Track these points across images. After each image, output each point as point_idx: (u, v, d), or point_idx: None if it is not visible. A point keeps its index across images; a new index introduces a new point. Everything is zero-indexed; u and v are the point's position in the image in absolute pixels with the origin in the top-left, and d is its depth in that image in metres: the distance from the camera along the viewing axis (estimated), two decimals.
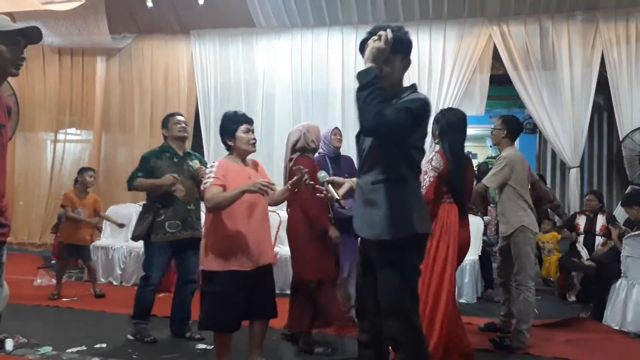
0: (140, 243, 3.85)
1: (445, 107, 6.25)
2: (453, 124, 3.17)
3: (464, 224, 3.21)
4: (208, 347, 3.55)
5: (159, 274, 3.72)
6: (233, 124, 2.95)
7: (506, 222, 3.75)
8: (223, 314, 2.78)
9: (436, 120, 3.28)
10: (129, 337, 3.71)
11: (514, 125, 3.88)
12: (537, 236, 3.88)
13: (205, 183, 2.79)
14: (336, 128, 4.11)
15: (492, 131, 4.00)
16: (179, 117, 3.85)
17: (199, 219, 3.76)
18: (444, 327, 3.01)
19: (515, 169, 3.71)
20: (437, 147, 3.24)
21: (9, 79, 2.13)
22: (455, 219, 3.10)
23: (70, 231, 5.06)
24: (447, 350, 3.05)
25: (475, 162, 9.35)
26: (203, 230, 2.97)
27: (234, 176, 2.83)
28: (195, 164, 3.79)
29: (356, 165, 2.44)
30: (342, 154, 4.13)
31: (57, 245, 6.77)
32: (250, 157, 3.05)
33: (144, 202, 3.87)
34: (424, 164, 3.07)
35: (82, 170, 5.27)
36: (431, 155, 3.12)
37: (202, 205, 3.08)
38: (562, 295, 5.43)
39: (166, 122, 3.85)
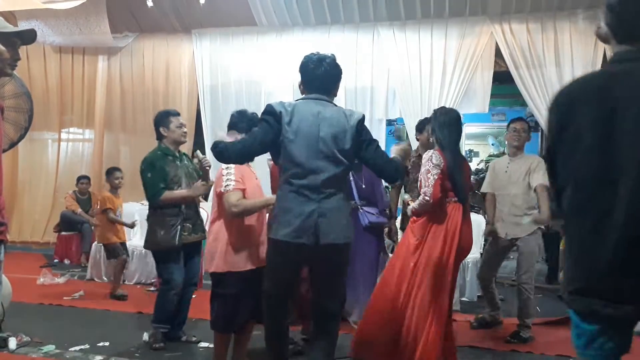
0: (140, 242, 3.81)
1: (448, 105, 6.28)
2: (447, 123, 3.15)
3: (467, 223, 3.19)
4: (210, 346, 3.56)
5: (181, 277, 3.55)
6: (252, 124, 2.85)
7: (519, 223, 3.76)
8: (237, 315, 2.82)
9: (429, 120, 3.32)
10: (145, 339, 3.63)
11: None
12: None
13: (227, 187, 2.75)
14: None
15: (520, 133, 3.98)
16: (181, 120, 3.70)
17: (202, 220, 3.79)
18: (443, 329, 3.00)
19: None
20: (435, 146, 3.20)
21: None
22: (460, 220, 3.06)
23: (111, 231, 5.11)
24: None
25: (477, 160, 9.36)
26: (209, 232, 2.97)
27: (248, 178, 2.85)
28: (199, 155, 3.65)
29: None
30: None
31: (60, 245, 6.83)
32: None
33: (157, 208, 3.56)
34: (425, 163, 3.05)
35: (109, 172, 5.32)
36: (429, 153, 3.08)
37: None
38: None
39: (166, 121, 3.60)
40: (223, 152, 2.40)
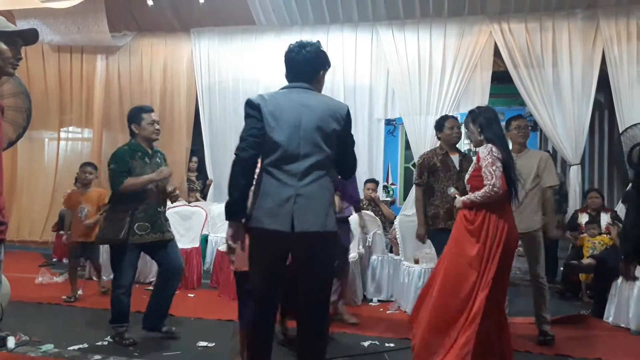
0: None
1: (447, 105, 6.31)
2: (493, 119, 3.19)
3: (512, 218, 3.13)
4: (209, 345, 3.56)
5: (132, 275, 3.59)
6: None
7: (530, 217, 3.75)
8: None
9: (473, 119, 3.26)
10: (107, 339, 3.64)
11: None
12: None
13: None
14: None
15: (524, 130, 4.00)
16: (154, 117, 3.62)
17: (167, 220, 3.68)
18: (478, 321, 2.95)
19: None
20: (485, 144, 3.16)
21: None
22: (509, 216, 3.07)
23: (78, 229, 4.91)
24: None
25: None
26: None
27: None
28: (163, 165, 3.64)
29: None
30: None
31: (58, 244, 6.81)
32: None
33: (112, 204, 3.59)
34: (486, 157, 3.03)
35: (81, 166, 5.23)
36: (488, 148, 3.06)
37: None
38: (567, 292, 5.37)
39: (138, 118, 3.56)
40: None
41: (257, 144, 2.26)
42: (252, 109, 2.30)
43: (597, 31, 6.04)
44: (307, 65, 2.41)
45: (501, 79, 6.63)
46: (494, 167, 2.99)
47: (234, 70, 7.10)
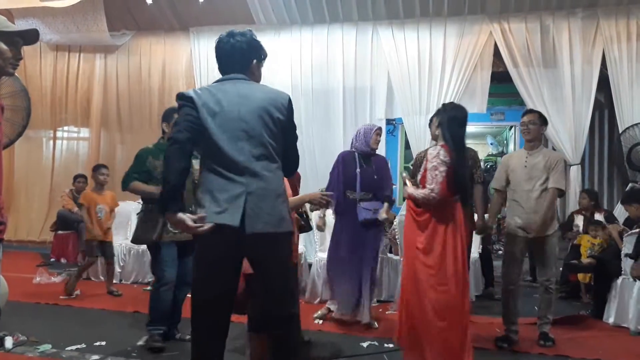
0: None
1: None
2: (454, 117, 3.12)
3: (465, 220, 3.17)
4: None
5: (173, 272, 3.48)
6: None
7: (544, 221, 3.60)
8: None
9: (437, 113, 3.25)
10: (140, 343, 3.53)
11: (546, 121, 3.84)
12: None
13: None
14: (379, 128, 4.13)
15: (528, 126, 3.74)
16: None
17: None
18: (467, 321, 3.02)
19: None
20: (439, 141, 3.15)
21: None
22: (461, 216, 3.05)
23: (96, 228, 5.03)
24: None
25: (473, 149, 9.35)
26: None
27: None
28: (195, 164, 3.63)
29: None
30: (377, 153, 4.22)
31: (57, 244, 6.79)
32: None
33: (145, 204, 3.59)
34: (432, 159, 3.00)
35: (95, 168, 5.28)
36: (437, 150, 3.03)
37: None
38: (573, 294, 5.36)
39: (170, 117, 3.53)
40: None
41: (192, 128, 2.06)
42: (186, 100, 2.11)
43: (597, 31, 6.03)
44: (237, 55, 2.21)
45: (501, 78, 6.62)
46: (436, 172, 2.97)
47: None
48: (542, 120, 3.76)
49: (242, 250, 2.08)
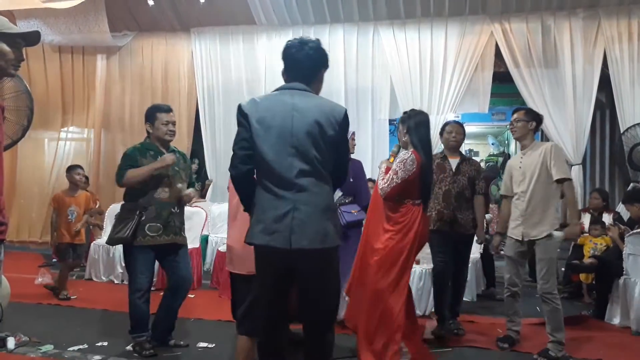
0: None
1: (448, 104, 6.31)
2: (422, 122, 3.22)
3: (425, 222, 3.21)
4: (209, 346, 3.55)
5: (147, 278, 3.35)
6: None
7: (536, 223, 3.46)
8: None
9: (402, 121, 3.31)
10: (128, 348, 3.49)
11: (539, 118, 3.70)
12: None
13: None
14: (353, 133, 4.07)
15: (513, 124, 3.66)
16: (169, 117, 3.44)
17: (182, 223, 3.50)
18: (401, 325, 3.06)
19: None
20: (409, 147, 3.21)
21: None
22: (420, 221, 3.11)
23: (67, 231, 4.98)
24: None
25: (476, 160, 9.34)
26: (229, 228, 2.85)
27: None
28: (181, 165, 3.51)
29: None
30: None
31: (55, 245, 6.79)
32: None
33: (123, 203, 3.44)
34: (398, 163, 3.09)
35: (69, 169, 5.19)
36: (406, 155, 3.10)
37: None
38: (576, 295, 5.34)
39: (152, 117, 3.43)
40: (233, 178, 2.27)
41: (248, 157, 2.16)
42: (242, 117, 2.17)
43: (599, 31, 6.03)
44: (309, 64, 2.23)
45: (502, 78, 6.62)
46: (394, 176, 3.08)
47: (234, 70, 7.09)
48: (531, 116, 3.63)
49: (291, 262, 2.17)
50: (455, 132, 4.07)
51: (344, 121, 2.21)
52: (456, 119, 8.88)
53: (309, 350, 2.32)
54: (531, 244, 3.52)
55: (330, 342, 2.32)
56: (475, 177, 3.98)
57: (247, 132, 2.16)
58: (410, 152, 3.13)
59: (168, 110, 3.49)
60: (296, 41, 2.26)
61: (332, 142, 2.17)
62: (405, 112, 3.37)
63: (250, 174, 2.20)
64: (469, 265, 5.07)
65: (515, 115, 3.69)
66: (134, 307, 3.35)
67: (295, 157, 2.12)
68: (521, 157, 3.68)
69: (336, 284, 2.33)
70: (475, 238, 4.08)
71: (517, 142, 3.80)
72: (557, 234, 3.41)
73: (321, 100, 2.25)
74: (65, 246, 4.98)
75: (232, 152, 2.20)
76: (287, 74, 2.28)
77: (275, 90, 2.28)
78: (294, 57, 2.23)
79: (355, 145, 4.12)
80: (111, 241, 3.39)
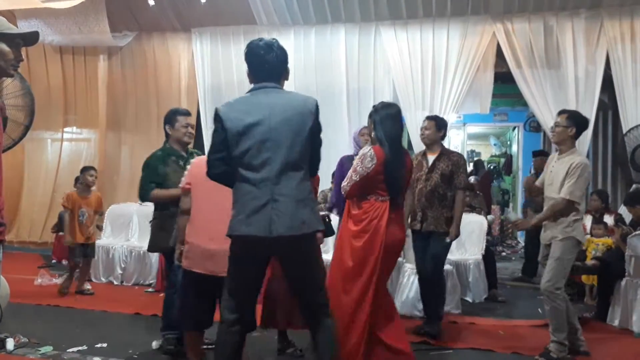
0: (138, 243, 3.69)
1: (450, 105, 6.28)
2: (389, 116, 3.13)
3: (396, 219, 3.08)
4: (209, 346, 3.53)
5: None
6: None
7: (552, 227, 3.46)
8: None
9: (370, 115, 3.25)
10: (154, 347, 3.50)
11: (582, 121, 3.55)
12: (581, 246, 3.64)
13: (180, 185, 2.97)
14: (364, 127, 3.99)
15: (554, 128, 3.57)
16: (187, 120, 3.56)
17: None
18: (365, 330, 2.97)
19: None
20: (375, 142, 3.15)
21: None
22: (385, 219, 3.01)
23: (79, 232, 5.01)
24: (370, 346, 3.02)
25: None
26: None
27: (203, 177, 2.88)
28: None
29: None
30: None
31: (58, 245, 6.79)
32: None
33: (160, 210, 3.51)
34: (357, 160, 3.06)
35: (84, 170, 5.24)
36: (365, 151, 3.06)
37: None
38: (578, 296, 5.31)
39: (172, 119, 3.53)
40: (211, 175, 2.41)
41: (222, 159, 2.31)
42: (216, 120, 2.31)
43: (601, 31, 6.00)
44: (279, 64, 2.40)
45: (504, 79, 6.60)
46: (354, 173, 3.05)
47: (235, 70, 7.07)
48: (572, 122, 3.47)
49: (271, 250, 2.31)
50: (425, 127, 4.02)
51: (317, 111, 2.37)
52: (458, 119, 8.90)
53: (315, 341, 2.41)
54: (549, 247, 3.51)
55: (330, 328, 2.40)
56: (453, 172, 3.85)
57: (219, 136, 2.29)
58: (370, 148, 3.07)
59: (187, 113, 3.66)
60: (262, 43, 2.38)
61: (310, 132, 2.33)
62: (373, 106, 3.28)
63: (226, 175, 2.33)
64: (471, 267, 5.07)
65: (557, 119, 3.58)
66: (173, 305, 3.37)
67: (275, 150, 2.25)
68: (555, 161, 3.59)
69: (321, 264, 2.48)
70: (448, 237, 3.84)
71: (557, 145, 3.64)
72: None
73: (294, 95, 2.44)
74: (76, 246, 5.00)
75: (207, 155, 2.39)
76: (255, 74, 2.40)
77: (248, 92, 2.39)
78: (264, 58, 2.35)
79: (368, 140, 4.02)
80: (155, 248, 3.57)
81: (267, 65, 2.36)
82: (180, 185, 2.94)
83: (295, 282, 2.41)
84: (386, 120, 3.11)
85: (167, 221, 3.38)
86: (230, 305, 2.34)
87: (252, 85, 2.40)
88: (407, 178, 3.24)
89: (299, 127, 2.29)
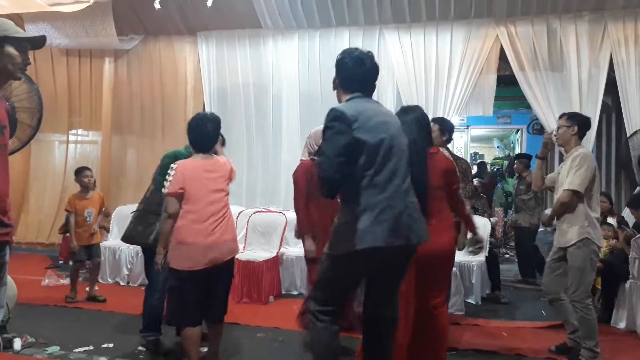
0: None
1: (453, 108, 6.29)
2: (403, 122, 2.97)
3: (433, 228, 2.63)
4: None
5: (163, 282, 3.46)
6: None
7: (567, 231, 3.41)
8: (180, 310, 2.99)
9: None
10: (140, 348, 3.56)
11: (583, 120, 3.56)
12: (601, 250, 3.60)
13: (164, 188, 2.92)
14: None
15: (556, 130, 3.58)
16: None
17: None
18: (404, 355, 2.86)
19: (594, 171, 3.42)
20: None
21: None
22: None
23: (84, 233, 4.99)
24: None
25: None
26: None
27: (191, 178, 2.95)
28: None
29: None
30: None
31: (65, 246, 6.83)
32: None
33: (142, 206, 3.54)
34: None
35: (78, 172, 5.15)
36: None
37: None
38: None
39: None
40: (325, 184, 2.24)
41: (344, 164, 2.18)
42: (345, 124, 2.22)
43: (605, 34, 6.00)
44: (374, 77, 2.44)
45: (507, 81, 6.61)
46: None
47: (240, 74, 7.11)
48: (573, 120, 3.51)
49: (394, 260, 2.34)
50: None
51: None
52: (461, 122, 8.91)
53: (378, 349, 2.42)
54: (565, 251, 3.46)
55: (389, 351, 2.43)
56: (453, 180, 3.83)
57: (344, 139, 2.20)
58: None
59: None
60: (365, 54, 2.43)
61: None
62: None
63: (341, 182, 2.20)
64: (474, 268, 5.09)
65: (558, 122, 3.60)
66: (151, 307, 3.58)
67: (397, 159, 2.31)
68: (563, 164, 3.60)
69: None
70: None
71: (561, 147, 3.67)
72: None
73: (387, 109, 2.56)
74: (81, 248, 4.96)
75: (326, 158, 2.23)
76: (359, 85, 2.40)
77: (357, 98, 2.37)
78: (368, 70, 2.40)
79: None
80: (130, 240, 3.61)
81: (369, 76, 2.43)
82: (167, 190, 2.85)
83: (381, 294, 2.41)
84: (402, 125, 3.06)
85: (150, 218, 3.39)
86: (329, 310, 2.33)
87: (348, 95, 2.41)
88: (444, 182, 2.97)
89: (402, 137, 2.40)
